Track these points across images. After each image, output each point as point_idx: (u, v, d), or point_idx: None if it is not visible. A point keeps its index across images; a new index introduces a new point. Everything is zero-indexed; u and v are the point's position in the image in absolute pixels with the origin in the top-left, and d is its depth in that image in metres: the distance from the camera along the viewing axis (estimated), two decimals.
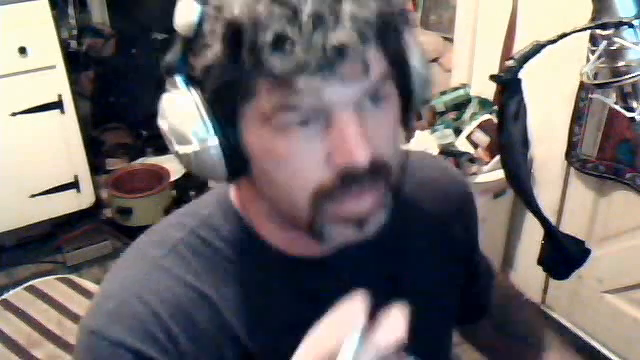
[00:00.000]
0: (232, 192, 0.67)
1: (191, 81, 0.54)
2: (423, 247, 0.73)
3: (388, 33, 0.51)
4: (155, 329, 0.59)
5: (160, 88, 0.58)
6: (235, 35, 0.49)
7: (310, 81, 0.48)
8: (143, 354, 0.58)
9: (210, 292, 0.62)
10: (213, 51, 0.51)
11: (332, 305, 0.65)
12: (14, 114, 2.34)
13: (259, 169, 0.56)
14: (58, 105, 2.41)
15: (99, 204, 2.70)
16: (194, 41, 0.52)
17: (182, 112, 0.54)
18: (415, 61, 0.57)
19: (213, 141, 0.54)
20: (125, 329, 0.59)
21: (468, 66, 2.28)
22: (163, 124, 0.57)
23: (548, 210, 1.55)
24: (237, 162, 0.55)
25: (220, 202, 0.67)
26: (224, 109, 0.53)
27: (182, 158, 0.57)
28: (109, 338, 0.58)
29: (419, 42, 0.58)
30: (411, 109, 0.59)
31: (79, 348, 0.62)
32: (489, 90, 2.14)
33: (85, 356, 0.60)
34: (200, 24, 0.52)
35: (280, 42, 0.47)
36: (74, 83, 2.55)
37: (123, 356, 0.58)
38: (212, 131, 0.54)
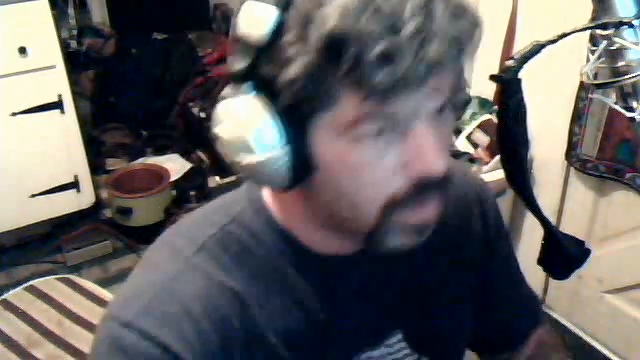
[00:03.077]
0: (263, 189, 0.67)
1: (261, 89, 0.52)
2: (442, 248, 0.74)
3: (467, 48, 0.52)
4: (186, 327, 0.59)
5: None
6: (334, 48, 0.47)
7: (406, 94, 0.49)
8: (170, 349, 0.58)
9: (241, 290, 0.62)
10: (300, 63, 0.49)
11: (360, 301, 0.67)
12: (14, 114, 2.34)
13: (326, 179, 0.56)
14: (58, 105, 2.40)
15: (99, 204, 2.70)
16: (268, 49, 0.50)
17: (248, 121, 0.53)
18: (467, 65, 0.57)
19: (281, 151, 0.52)
20: (157, 323, 0.59)
21: (468, 66, 2.28)
22: (222, 132, 0.55)
23: (548, 210, 1.55)
24: (302, 172, 0.54)
25: (251, 199, 0.67)
26: (297, 119, 0.52)
27: (241, 167, 0.55)
28: (140, 330, 0.58)
29: None
30: (457, 112, 0.60)
31: (104, 337, 0.61)
32: (489, 90, 2.14)
33: (111, 346, 0.59)
34: (277, 32, 0.50)
35: (386, 58, 0.46)
36: (74, 83, 2.55)
37: (151, 349, 0.57)
38: (281, 141, 0.52)
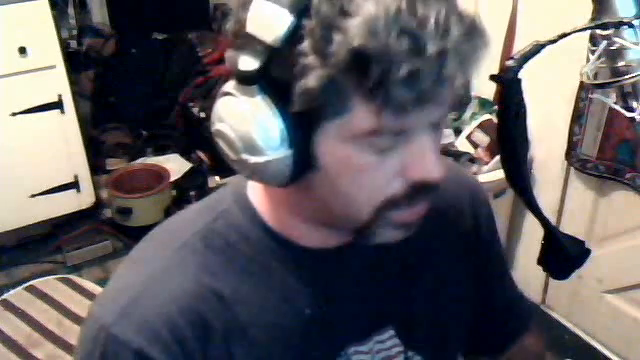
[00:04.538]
0: (249, 187, 0.67)
1: (270, 91, 0.52)
2: (435, 246, 0.75)
3: (475, 64, 0.53)
4: (162, 329, 0.60)
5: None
6: (360, 65, 0.48)
7: (421, 109, 0.51)
8: (145, 354, 0.59)
9: (223, 288, 0.63)
10: (319, 74, 0.49)
11: (347, 296, 0.67)
12: (14, 114, 2.34)
13: (325, 179, 0.56)
14: (58, 105, 2.41)
15: (99, 204, 2.70)
16: (282, 53, 0.50)
17: (256, 122, 0.53)
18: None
19: (286, 152, 0.53)
20: (132, 328, 0.60)
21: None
22: (225, 130, 0.56)
23: (548, 210, 1.55)
24: (303, 172, 0.56)
25: (236, 196, 0.67)
26: (306, 124, 0.53)
27: (244, 166, 0.56)
28: (116, 336, 0.60)
29: None
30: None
31: (86, 336, 0.63)
32: (489, 90, 2.14)
33: (91, 345, 0.62)
34: (292, 37, 0.49)
35: (411, 77, 0.48)
36: (74, 83, 2.55)
37: (125, 354, 0.59)
38: (287, 143, 0.53)
